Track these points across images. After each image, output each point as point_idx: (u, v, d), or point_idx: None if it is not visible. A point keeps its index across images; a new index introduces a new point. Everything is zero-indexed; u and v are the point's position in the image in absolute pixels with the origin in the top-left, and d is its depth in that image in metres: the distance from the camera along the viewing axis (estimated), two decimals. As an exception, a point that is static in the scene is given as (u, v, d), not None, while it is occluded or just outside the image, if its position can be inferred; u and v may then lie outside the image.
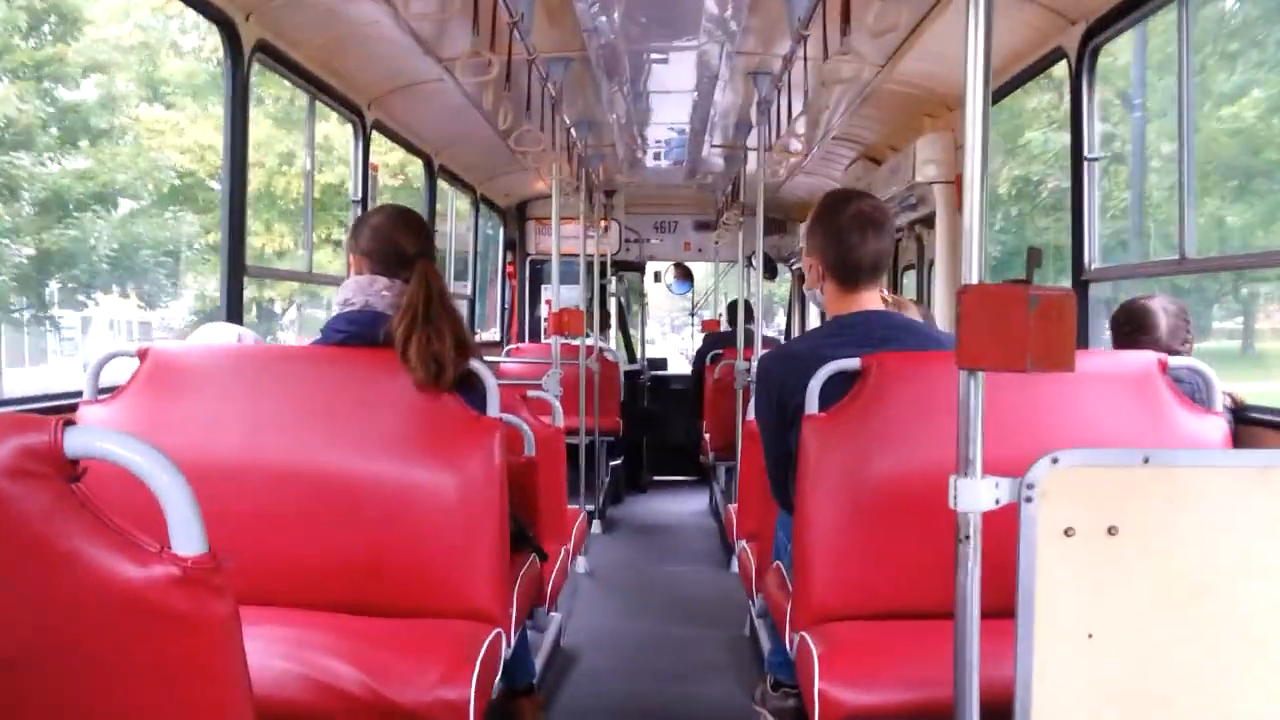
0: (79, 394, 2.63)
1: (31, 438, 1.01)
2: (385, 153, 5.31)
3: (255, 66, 3.77)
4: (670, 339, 26.78)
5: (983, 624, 1.65)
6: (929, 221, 5.29)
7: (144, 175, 16.14)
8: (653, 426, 9.38)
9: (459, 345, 2.50)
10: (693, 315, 12.33)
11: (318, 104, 4.57)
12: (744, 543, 3.76)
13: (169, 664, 1.04)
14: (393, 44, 4.21)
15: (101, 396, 2.58)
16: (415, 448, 2.42)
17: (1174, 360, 2.54)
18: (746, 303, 6.92)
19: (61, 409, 2.68)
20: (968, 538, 1.63)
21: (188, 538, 1.04)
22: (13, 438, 1.00)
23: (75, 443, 1.02)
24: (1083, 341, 3.38)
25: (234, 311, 3.63)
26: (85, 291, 17.09)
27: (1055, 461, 1.59)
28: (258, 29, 3.70)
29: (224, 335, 3.05)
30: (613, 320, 9.70)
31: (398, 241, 2.69)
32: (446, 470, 2.39)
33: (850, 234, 2.61)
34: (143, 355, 2.56)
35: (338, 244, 15.39)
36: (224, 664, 1.06)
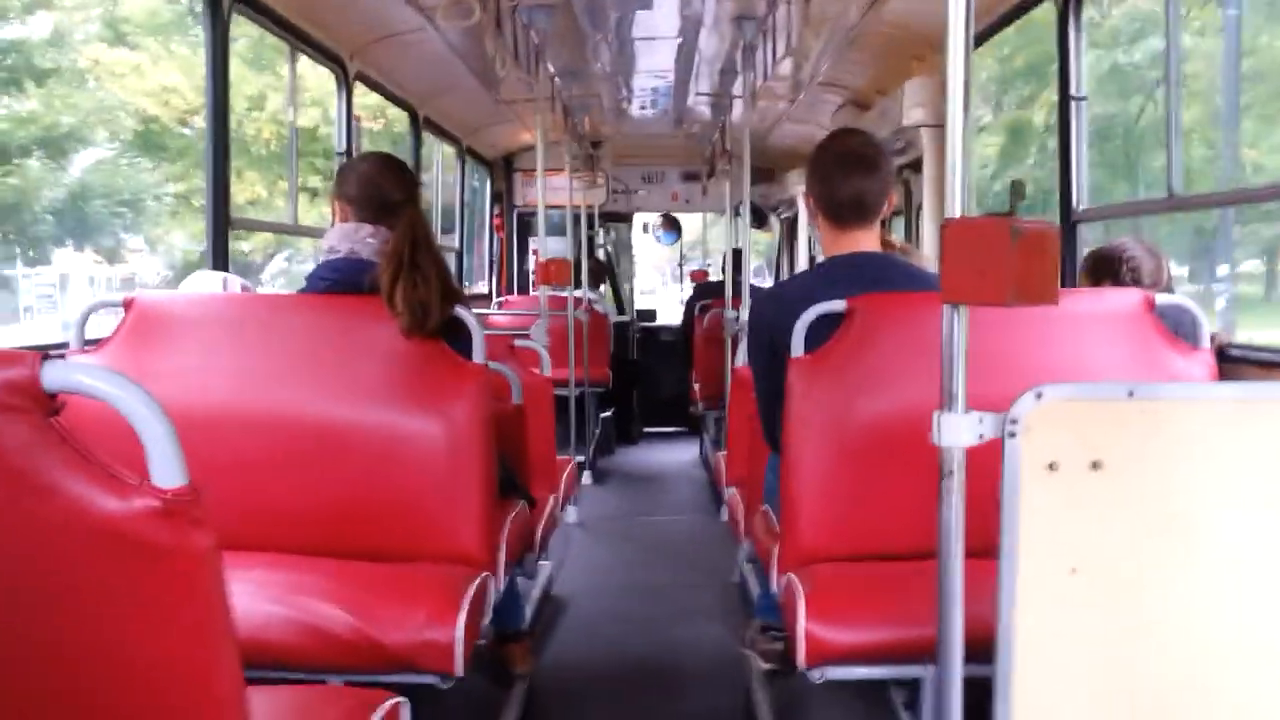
0: (65, 345, 2.62)
1: (9, 371, 1.01)
2: (363, 94, 5.21)
3: (234, 17, 3.71)
4: (671, 288, 26.46)
5: (967, 564, 1.65)
6: (917, 166, 5.25)
7: (99, 117, 15.45)
8: (642, 378, 9.39)
9: (445, 292, 2.50)
10: (681, 266, 12.26)
11: (298, 54, 4.50)
12: (732, 488, 3.78)
13: (150, 597, 1.04)
14: (373, -9, 4.14)
15: (88, 347, 2.57)
16: (401, 394, 2.42)
17: (1161, 298, 2.54)
18: (736, 252, 6.91)
19: None
20: (951, 473, 1.63)
21: (167, 470, 1.04)
22: None
23: (53, 376, 1.02)
24: (1071, 282, 3.37)
25: (220, 263, 3.60)
26: (42, 247, 16.54)
27: (1039, 396, 1.59)
28: (236, -24, 3.64)
29: (210, 283, 3.05)
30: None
31: (384, 188, 2.68)
32: (432, 416, 2.39)
33: (834, 171, 2.59)
34: (128, 305, 2.55)
35: (314, 194, 14.83)
36: (205, 596, 1.07)
